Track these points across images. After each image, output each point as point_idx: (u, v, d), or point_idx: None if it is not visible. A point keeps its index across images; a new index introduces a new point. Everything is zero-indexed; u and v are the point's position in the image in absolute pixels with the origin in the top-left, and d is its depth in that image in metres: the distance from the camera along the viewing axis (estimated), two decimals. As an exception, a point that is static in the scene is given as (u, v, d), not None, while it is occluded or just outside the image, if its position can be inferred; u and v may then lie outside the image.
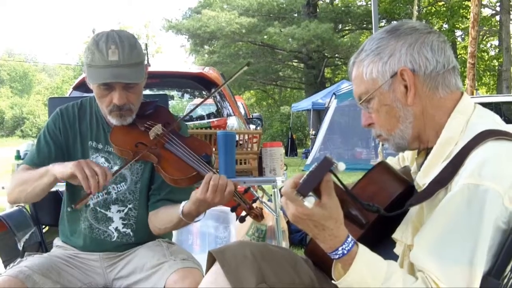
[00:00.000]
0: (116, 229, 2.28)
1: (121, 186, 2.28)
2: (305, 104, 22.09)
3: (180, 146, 2.13)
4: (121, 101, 2.15)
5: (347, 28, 30.80)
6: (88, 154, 2.29)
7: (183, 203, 2.05)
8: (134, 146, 2.15)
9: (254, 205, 1.99)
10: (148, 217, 2.29)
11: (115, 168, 2.28)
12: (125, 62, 2.11)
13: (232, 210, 1.99)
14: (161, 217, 2.21)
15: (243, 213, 1.99)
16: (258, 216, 1.97)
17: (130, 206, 2.29)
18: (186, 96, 9.85)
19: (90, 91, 2.26)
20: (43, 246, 2.90)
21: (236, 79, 27.79)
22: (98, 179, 1.92)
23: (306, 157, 17.60)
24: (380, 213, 1.43)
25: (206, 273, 1.56)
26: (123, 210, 2.28)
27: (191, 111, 2.67)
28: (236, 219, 2.01)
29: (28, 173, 2.16)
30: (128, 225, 2.29)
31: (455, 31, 28.10)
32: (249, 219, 2.00)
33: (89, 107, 2.37)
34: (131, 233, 2.29)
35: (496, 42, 28.02)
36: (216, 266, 1.50)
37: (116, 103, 2.15)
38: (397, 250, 1.54)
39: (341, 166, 1.30)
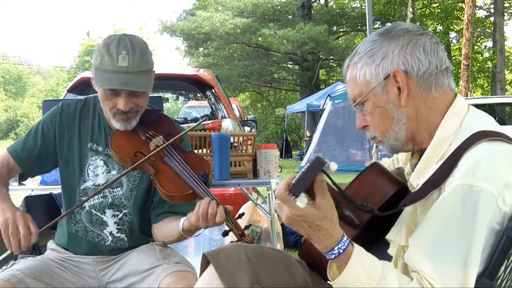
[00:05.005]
0: (111, 233, 2.27)
1: (117, 191, 2.27)
2: (300, 106, 22.09)
3: (179, 161, 2.12)
4: (127, 108, 2.14)
5: (341, 30, 30.84)
6: (86, 155, 2.28)
7: (182, 220, 2.06)
8: (133, 155, 2.15)
9: (246, 232, 1.99)
10: (152, 229, 2.29)
11: (113, 172, 2.28)
12: (134, 69, 2.09)
13: (224, 235, 1.99)
14: (163, 231, 2.22)
15: (235, 239, 1.98)
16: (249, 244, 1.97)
17: (125, 211, 2.28)
18: (181, 98, 9.87)
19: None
20: (36, 248, 2.89)
21: (231, 81, 27.93)
22: (19, 239, 1.95)
23: (301, 159, 17.63)
24: (374, 213, 1.44)
25: (200, 275, 1.56)
26: (117, 215, 2.27)
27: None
28: (224, 235, 2.01)
29: None
30: (122, 230, 2.28)
31: (450, 33, 28.20)
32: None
33: (93, 107, 2.35)
34: (125, 238, 2.28)
35: (490, 44, 28.11)
36: (210, 268, 1.50)
37: (122, 109, 2.14)
38: (391, 251, 1.55)
39: (333, 166, 1.31)
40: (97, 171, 2.28)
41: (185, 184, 2.05)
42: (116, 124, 2.21)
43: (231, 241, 1.99)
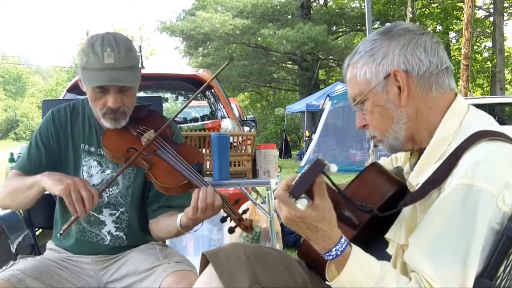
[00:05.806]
0: (109, 232, 2.27)
1: (112, 190, 2.27)
2: (299, 106, 22.11)
3: (172, 153, 2.12)
4: (116, 104, 2.14)
5: (341, 30, 30.85)
6: (80, 157, 2.28)
7: (180, 216, 2.05)
8: (126, 151, 2.15)
9: (244, 216, 1.99)
10: (149, 225, 2.29)
11: (107, 171, 2.27)
12: (120, 65, 2.10)
13: (222, 221, 1.99)
14: (160, 227, 2.22)
15: (233, 224, 1.98)
16: (247, 228, 1.97)
17: (122, 209, 2.28)
18: (180, 98, 9.84)
19: (84, 93, 2.25)
20: (36, 248, 2.89)
21: (230, 81, 27.94)
22: (84, 204, 1.93)
23: (300, 159, 17.63)
24: (374, 213, 1.43)
25: (199, 275, 1.56)
26: (114, 214, 2.27)
27: (180, 111, 2.63)
28: (222, 221, 2.01)
29: (19, 181, 2.14)
30: (121, 229, 2.28)
31: (449, 32, 28.23)
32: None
33: (82, 110, 2.35)
34: (123, 237, 2.28)
35: (489, 44, 28.13)
36: (210, 268, 1.50)
37: (111, 106, 2.13)
38: (390, 250, 1.55)
39: (333, 167, 1.30)
40: (91, 172, 2.27)
41: (180, 174, 2.05)
42: (106, 123, 2.21)
43: (230, 227, 1.99)
